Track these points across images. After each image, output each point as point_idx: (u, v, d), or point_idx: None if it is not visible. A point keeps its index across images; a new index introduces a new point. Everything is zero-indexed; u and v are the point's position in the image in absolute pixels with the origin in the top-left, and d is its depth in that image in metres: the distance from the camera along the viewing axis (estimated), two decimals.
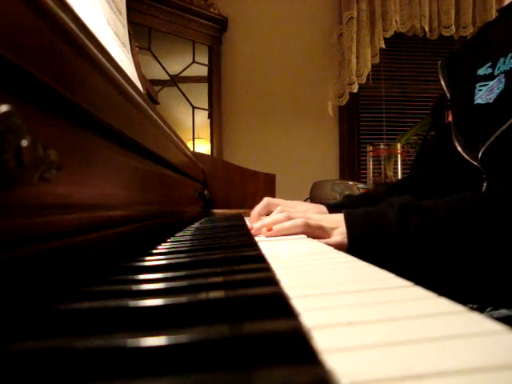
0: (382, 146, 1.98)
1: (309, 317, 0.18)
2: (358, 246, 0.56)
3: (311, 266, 0.32)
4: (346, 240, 0.56)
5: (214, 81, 2.38)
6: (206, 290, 0.23)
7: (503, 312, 0.62)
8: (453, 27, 2.49)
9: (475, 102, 0.73)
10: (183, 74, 2.30)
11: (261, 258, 0.35)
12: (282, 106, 2.51)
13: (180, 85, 2.28)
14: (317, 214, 0.75)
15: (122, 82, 0.42)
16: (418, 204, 0.56)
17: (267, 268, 0.30)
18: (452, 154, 0.76)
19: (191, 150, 1.61)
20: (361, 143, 2.59)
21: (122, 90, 0.42)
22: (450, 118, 0.79)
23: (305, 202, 0.89)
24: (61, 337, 0.18)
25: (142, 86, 0.83)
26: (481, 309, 0.67)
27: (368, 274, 0.27)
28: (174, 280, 0.26)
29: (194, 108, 2.31)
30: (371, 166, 1.97)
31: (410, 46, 2.64)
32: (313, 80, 2.53)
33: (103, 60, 0.36)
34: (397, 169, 1.96)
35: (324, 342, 0.15)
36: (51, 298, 0.23)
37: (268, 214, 0.70)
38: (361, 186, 1.84)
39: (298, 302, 0.20)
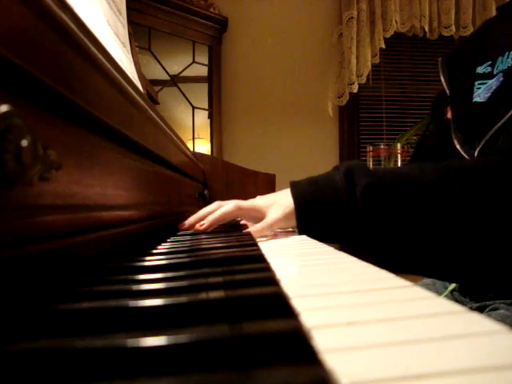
0: (382, 146, 1.99)
1: (309, 317, 0.18)
2: (306, 210, 0.53)
3: (311, 266, 0.32)
4: (287, 211, 0.54)
5: (214, 81, 2.38)
6: (206, 289, 0.23)
7: (503, 312, 0.62)
8: (453, 27, 2.49)
9: (473, 100, 0.73)
10: (183, 74, 2.30)
11: (261, 258, 0.35)
12: (282, 106, 2.51)
13: (180, 85, 2.28)
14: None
15: (122, 82, 0.42)
16: (366, 166, 0.54)
17: (267, 268, 0.30)
18: (450, 151, 0.76)
19: (191, 149, 1.61)
20: (361, 143, 2.59)
21: (122, 90, 0.42)
22: (449, 115, 0.79)
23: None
24: (61, 337, 0.18)
25: (142, 86, 0.83)
26: (480, 309, 0.67)
27: (368, 274, 0.27)
28: (173, 280, 0.26)
29: (193, 108, 2.31)
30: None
31: (410, 46, 2.64)
32: (313, 80, 2.53)
33: (103, 60, 0.36)
34: None
35: (324, 341, 0.15)
36: (51, 298, 0.23)
37: None
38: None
39: (297, 302, 0.20)
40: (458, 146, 0.74)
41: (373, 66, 2.49)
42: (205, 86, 2.41)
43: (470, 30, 2.48)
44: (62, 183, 0.27)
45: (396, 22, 2.46)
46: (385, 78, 2.65)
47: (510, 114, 0.60)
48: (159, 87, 2.18)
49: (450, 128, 0.77)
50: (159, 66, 2.20)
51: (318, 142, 2.54)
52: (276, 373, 0.13)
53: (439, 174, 0.51)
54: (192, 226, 0.62)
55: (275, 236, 0.57)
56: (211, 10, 2.34)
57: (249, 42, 2.51)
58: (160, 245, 0.49)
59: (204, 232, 0.60)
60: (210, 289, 0.24)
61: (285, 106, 2.52)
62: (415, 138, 2.18)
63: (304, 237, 0.55)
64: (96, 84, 0.34)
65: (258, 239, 0.53)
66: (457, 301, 0.73)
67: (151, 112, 0.56)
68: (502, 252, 0.48)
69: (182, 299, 0.20)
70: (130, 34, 0.83)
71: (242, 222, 0.79)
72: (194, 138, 2.32)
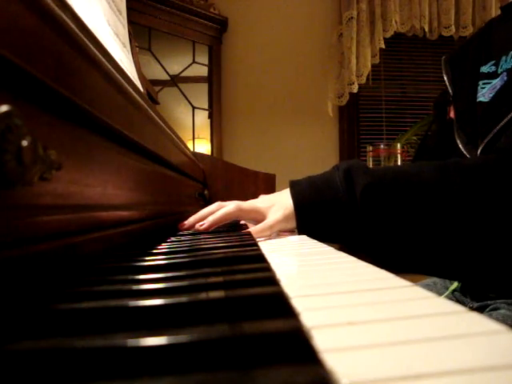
0: (381, 146, 1.99)
1: (309, 317, 0.18)
2: (306, 211, 0.53)
3: (311, 266, 0.32)
4: (287, 212, 0.54)
5: (214, 81, 2.38)
6: (206, 289, 0.23)
7: (503, 312, 0.62)
8: (452, 27, 2.49)
9: (477, 100, 0.73)
10: (183, 74, 2.30)
11: (261, 258, 0.35)
12: (282, 106, 2.51)
13: (180, 85, 2.28)
14: None
15: (122, 82, 0.42)
16: (365, 166, 0.54)
17: (267, 268, 0.30)
18: (453, 151, 0.75)
19: (191, 149, 1.61)
20: (361, 143, 2.59)
21: (122, 89, 0.42)
22: (452, 115, 0.79)
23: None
24: (61, 337, 0.18)
25: (142, 86, 0.83)
26: (480, 309, 0.67)
27: (368, 274, 0.27)
28: (173, 280, 0.26)
29: (194, 108, 2.31)
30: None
31: (410, 46, 2.64)
32: (313, 80, 2.53)
33: (103, 60, 0.36)
34: None
35: (324, 341, 0.15)
36: (51, 298, 0.23)
37: None
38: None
39: (298, 302, 0.20)
40: (460, 146, 0.73)
41: (373, 66, 2.49)
42: (205, 86, 2.41)
43: (470, 30, 2.48)
44: (62, 183, 0.27)
45: (396, 22, 2.46)
46: (385, 78, 2.65)
47: None
48: (159, 87, 2.18)
49: (452, 127, 0.77)
50: (159, 66, 2.20)
51: (318, 142, 2.54)
52: (276, 373, 0.13)
53: (439, 172, 0.51)
54: (192, 226, 0.62)
55: (275, 236, 0.57)
56: (211, 10, 2.34)
57: (249, 41, 2.51)
58: (160, 245, 0.49)
59: (204, 232, 0.60)
60: (210, 289, 0.24)
61: (285, 106, 2.52)
62: (415, 138, 2.18)
63: (304, 237, 0.55)
64: (96, 84, 0.34)
65: (258, 239, 0.53)
66: (458, 301, 0.73)
67: (151, 112, 0.56)
68: (502, 249, 0.48)
69: (182, 299, 0.20)
70: (130, 33, 0.83)
71: (242, 222, 0.79)
72: (194, 138, 2.32)
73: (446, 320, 0.17)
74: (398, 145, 2.00)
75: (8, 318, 0.19)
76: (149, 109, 0.54)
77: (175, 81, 2.27)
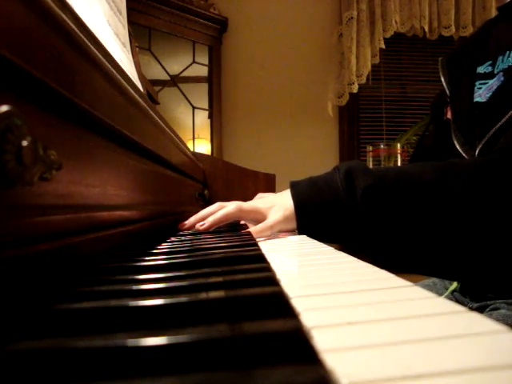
0: (381, 146, 1.99)
1: (309, 317, 0.18)
2: (306, 212, 0.53)
3: (311, 266, 0.32)
4: (287, 213, 0.54)
5: (214, 81, 2.38)
6: (206, 289, 0.23)
7: (503, 312, 0.62)
8: (452, 27, 2.49)
9: (474, 100, 0.73)
10: (183, 74, 2.30)
11: (261, 258, 0.35)
12: (281, 106, 2.51)
13: (180, 85, 2.28)
14: None
15: (122, 82, 0.42)
16: (366, 167, 0.54)
17: (267, 268, 0.30)
18: (450, 151, 0.75)
19: (191, 149, 1.61)
20: (361, 143, 2.59)
21: (122, 90, 0.42)
22: (450, 115, 0.79)
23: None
24: (61, 337, 0.18)
25: (142, 86, 0.83)
26: (480, 309, 0.67)
27: (368, 274, 0.27)
28: (173, 280, 0.26)
29: (194, 108, 2.31)
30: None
31: (410, 46, 2.64)
32: (313, 80, 2.53)
33: (103, 60, 0.36)
34: None
35: (324, 341, 0.15)
36: (51, 298, 0.23)
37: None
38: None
39: (298, 302, 0.20)
40: (458, 146, 0.74)
41: (373, 66, 2.49)
42: (205, 86, 2.41)
43: (470, 30, 2.48)
44: (62, 183, 0.27)
45: (396, 22, 2.46)
46: (385, 78, 2.65)
47: (510, 113, 0.60)
48: (159, 87, 2.18)
49: (449, 128, 0.77)
50: (159, 66, 2.20)
51: (318, 142, 2.54)
52: (276, 373, 0.13)
53: (439, 173, 0.51)
54: (192, 226, 0.62)
55: (275, 236, 0.57)
56: (211, 10, 2.34)
57: (249, 41, 2.51)
58: (160, 245, 0.49)
59: (204, 232, 0.60)
60: (210, 289, 0.24)
61: (285, 106, 2.52)
62: (415, 138, 2.18)
63: (304, 237, 0.55)
64: (96, 84, 0.34)
65: (258, 239, 0.53)
66: (457, 301, 0.73)
67: (151, 112, 0.56)
68: (503, 250, 0.48)
69: (182, 299, 0.20)
70: (130, 34, 0.83)
71: (242, 222, 0.79)
72: (194, 138, 2.32)
73: (446, 320, 0.17)
74: (398, 145, 1.99)
75: (8, 318, 0.19)
76: (149, 109, 0.54)
77: (175, 81, 2.27)
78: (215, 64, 2.38)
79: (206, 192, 1.22)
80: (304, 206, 0.54)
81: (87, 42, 0.32)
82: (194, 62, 2.32)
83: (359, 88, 2.48)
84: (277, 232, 0.57)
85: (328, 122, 2.55)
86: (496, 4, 0.76)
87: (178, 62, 2.31)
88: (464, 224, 0.49)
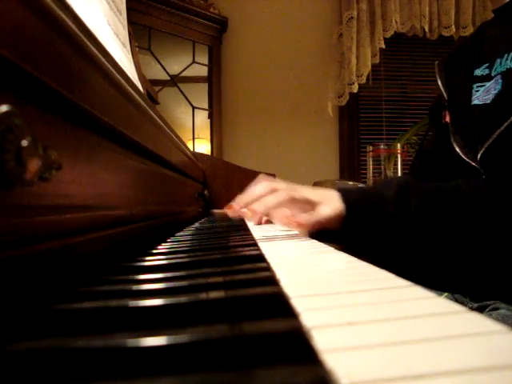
0: (381, 146, 1.99)
1: (309, 317, 0.18)
2: (356, 218, 0.54)
3: (311, 266, 0.32)
4: (336, 213, 0.54)
5: (213, 81, 2.38)
6: (206, 289, 0.23)
7: (503, 312, 0.62)
8: (453, 27, 2.49)
9: (472, 103, 0.73)
10: (183, 74, 2.30)
11: (261, 258, 0.35)
12: (281, 106, 2.51)
13: (180, 85, 2.28)
14: None
15: (122, 82, 0.42)
16: (419, 184, 0.55)
17: (267, 268, 0.30)
18: (450, 155, 0.76)
19: (191, 149, 1.61)
20: (361, 143, 2.59)
21: (122, 90, 0.42)
22: (448, 119, 0.79)
23: (311, 187, 0.84)
24: (61, 337, 0.18)
25: (142, 86, 0.83)
26: (480, 309, 0.67)
27: (368, 274, 0.27)
28: (173, 280, 0.26)
29: (194, 108, 2.31)
30: (371, 166, 1.97)
31: (410, 46, 2.64)
32: (313, 80, 2.53)
33: (103, 60, 0.36)
34: (397, 169, 1.96)
35: (324, 341, 0.15)
36: (51, 298, 0.23)
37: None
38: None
39: (297, 302, 0.20)
40: (457, 149, 0.74)
41: (373, 66, 2.49)
42: (205, 86, 2.41)
43: (470, 30, 2.48)
44: (62, 183, 0.27)
45: (396, 22, 2.47)
46: (385, 78, 2.65)
47: None
48: (159, 87, 2.18)
49: (448, 132, 0.77)
50: (159, 66, 2.20)
51: (318, 142, 2.54)
52: (276, 373, 0.13)
53: (495, 194, 0.52)
54: (241, 210, 0.57)
55: (275, 237, 0.57)
56: (211, 10, 2.34)
57: (249, 41, 2.51)
58: (160, 245, 0.49)
59: (204, 232, 0.60)
60: (210, 289, 0.24)
61: (285, 106, 2.52)
62: (415, 138, 2.18)
63: (304, 237, 0.55)
64: (96, 84, 0.34)
65: (257, 240, 0.53)
66: (457, 301, 0.73)
67: (151, 112, 0.56)
68: None
69: (182, 299, 0.20)
70: (129, 34, 0.83)
71: (242, 222, 0.79)
72: (194, 138, 2.32)
73: (446, 320, 0.17)
74: (398, 145, 1.99)
75: (8, 318, 0.19)
76: (149, 109, 0.54)
77: (175, 81, 2.27)
78: (215, 64, 2.38)
79: (205, 192, 1.23)
80: (355, 210, 0.54)
81: (87, 41, 0.32)
82: (193, 61, 2.32)
83: (359, 88, 2.48)
84: (316, 228, 0.56)
85: (328, 122, 2.55)
86: (492, 6, 0.76)
87: (178, 62, 2.31)
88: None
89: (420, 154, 0.93)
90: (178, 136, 0.83)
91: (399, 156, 1.96)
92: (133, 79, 0.53)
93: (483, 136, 0.67)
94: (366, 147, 2.07)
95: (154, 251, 0.43)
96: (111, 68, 0.38)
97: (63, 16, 0.28)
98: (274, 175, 1.54)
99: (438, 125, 0.84)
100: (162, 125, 0.64)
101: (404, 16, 2.49)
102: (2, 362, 0.15)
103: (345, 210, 0.55)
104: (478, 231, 0.52)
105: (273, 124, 2.51)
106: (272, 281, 0.25)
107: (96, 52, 0.34)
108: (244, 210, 0.56)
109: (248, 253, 0.39)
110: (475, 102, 0.72)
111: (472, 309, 0.69)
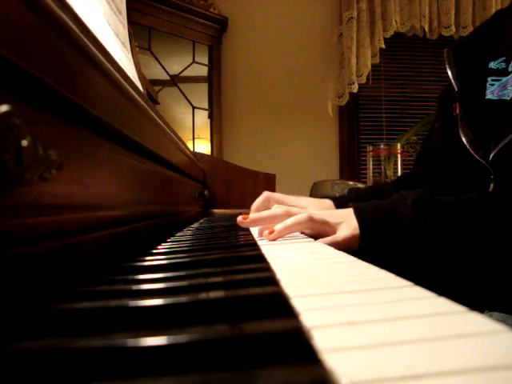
0: (381, 146, 1.99)
1: (309, 317, 0.18)
2: (371, 238, 0.54)
3: (311, 266, 0.32)
4: (355, 233, 0.54)
5: (213, 81, 2.38)
6: (206, 289, 0.23)
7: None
8: (453, 27, 2.49)
9: (486, 97, 0.70)
10: (183, 74, 2.30)
11: (261, 258, 0.35)
12: (281, 105, 2.51)
13: (180, 85, 2.28)
14: (318, 209, 0.73)
15: (122, 82, 0.42)
16: (434, 199, 0.54)
17: (267, 268, 0.30)
18: (458, 149, 0.73)
19: (191, 149, 1.61)
20: (361, 143, 2.59)
21: (122, 90, 0.42)
22: (458, 111, 0.76)
23: (306, 197, 0.84)
24: (61, 337, 0.18)
25: (142, 86, 0.83)
26: (480, 310, 0.67)
27: (368, 274, 0.27)
28: (173, 280, 0.26)
29: (194, 108, 2.31)
30: (371, 166, 1.97)
31: (410, 46, 2.64)
32: (313, 80, 2.53)
33: (103, 60, 0.36)
34: (397, 169, 1.96)
35: (324, 341, 0.15)
36: (52, 298, 0.23)
37: (267, 209, 0.66)
38: (361, 185, 1.84)
39: (298, 302, 0.20)
40: (466, 143, 0.71)
41: (373, 66, 2.49)
42: (205, 86, 2.41)
43: (470, 29, 2.48)
44: (62, 183, 0.27)
45: (396, 22, 2.46)
46: (385, 78, 2.65)
47: None
48: (159, 87, 2.18)
49: (457, 124, 0.74)
50: (159, 66, 2.20)
51: (318, 141, 2.54)
52: (276, 373, 0.13)
53: (507, 209, 0.52)
54: (253, 224, 0.57)
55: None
56: (211, 10, 2.34)
57: (249, 41, 2.51)
58: (160, 245, 0.49)
59: (204, 232, 0.60)
60: (210, 289, 0.24)
61: (285, 106, 2.51)
62: (415, 137, 2.17)
63: (304, 237, 0.55)
64: (96, 84, 0.34)
65: (258, 240, 0.53)
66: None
67: (151, 112, 0.56)
68: None
69: (182, 299, 0.20)
70: (130, 34, 0.83)
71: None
72: (194, 138, 2.32)
73: (446, 320, 0.17)
74: (398, 145, 1.99)
75: (9, 318, 0.19)
76: (149, 109, 0.54)
77: (175, 81, 2.27)
78: (215, 64, 2.38)
79: (206, 192, 1.23)
80: (369, 233, 0.54)
81: (87, 41, 0.32)
82: (193, 61, 2.31)
83: (359, 88, 2.48)
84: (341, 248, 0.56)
85: (328, 122, 2.55)
86: (499, 3, 0.74)
87: (178, 62, 2.31)
88: None
89: (427, 146, 0.90)
90: (178, 136, 0.83)
91: (399, 156, 1.96)
92: (133, 79, 0.53)
93: (498, 135, 0.65)
94: (366, 147, 2.07)
95: (154, 251, 0.43)
96: (111, 68, 0.38)
97: (63, 16, 0.28)
98: (273, 175, 1.55)
99: (447, 117, 0.80)
100: (162, 125, 0.64)
101: (404, 16, 2.49)
102: (3, 361, 0.15)
103: (360, 231, 0.54)
104: (495, 244, 0.52)
105: (273, 124, 2.50)
106: (272, 281, 0.25)
107: (96, 52, 0.34)
108: (261, 227, 0.56)
109: (248, 253, 0.39)
110: (489, 96, 0.69)
111: (472, 309, 0.68)
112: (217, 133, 2.38)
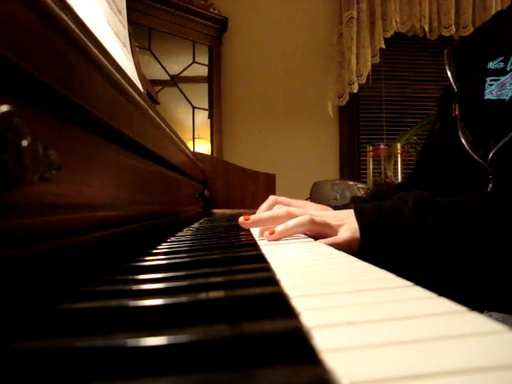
0: (382, 146, 1.98)
1: (309, 317, 0.18)
2: (371, 240, 0.54)
3: (311, 266, 0.32)
4: (355, 236, 0.54)
5: (214, 81, 2.38)
6: (206, 289, 0.23)
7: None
8: (453, 27, 2.49)
9: (485, 97, 0.70)
10: (183, 74, 2.30)
11: (261, 258, 0.35)
12: (282, 106, 2.51)
13: (180, 85, 2.28)
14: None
15: (122, 82, 0.42)
16: (434, 201, 0.54)
17: (267, 268, 0.30)
18: (457, 150, 0.73)
19: (191, 149, 1.61)
20: (361, 143, 2.59)
21: (122, 90, 0.42)
22: (457, 112, 0.76)
23: (312, 203, 0.85)
24: (61, 337, 0.18)
25: (142, 86, 0.83)
26: (480, 310, 0.67)
27: (368, 274, 0.27)
28: (173, 280, 0.26)
29: (194, 108, 2.31)
30: (371, 166, 1.97)
31: (410, 46, 2.64)
32: (313, 80, 2.53)
33: (103, 60, 0.36)
34: (397, 169, 1.96)
35: (324, 341, 0.15)
36: (52, 298, 0.23)
37: None
38: (361, 185, 1.84)
39: (298, 302, 0.20)
40: (465, 144, 0.71)
41: (373, 66, 2.49)
42: (205, 86, 2.41)
43: (470, 29, 2.48)
44: (62, 183, 0.27)
45: (396, 22, 2.46)
46: (385, 78, 2.65)
47: None
48: (159, 87, 2.18)
49: (456, 125, 0.74)
50: (159, 66, 2.20)
51: (318, 141, 2.54)
52: (276, 373, 0.13)
53: (507, 212, 0.52)
54: (254, 225, 0.57)
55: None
56: (211, 10, 2.34)
57: (249, 41, 2.51)
58: (160, 245, 0.49)
59: (204, 232, 0.60)
60: (210, 289, 0.24)
61: (285, 106, 2.51)
62: (415, 138, 2.17)
63: (304, 237, 0.55)
64: (96, 84, 0.34)
65: (258, 240, 0.53)
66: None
67: (151, 112, 0.56)
68: None
69: (182, 299, 0.20)
70: (130, 34, 0.83)
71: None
72: (194, 138, 2.32)
73: (446, 320, 0.17)
74: (398, 145, 1.99)
75: (9, 318, 0.19)
76: (149, 109, 0.54)
77: (175, 81, 2.27)
78: (215, 64, 2.38)
79: (206, 192, 1.23)
80: (369, 234, 0.54)
81: (87, 41, 0.32)
82: (193, 61, 2.32)
83: (359, 88, 2.48)
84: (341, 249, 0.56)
85: (328, 122, 2.55)
86: (499, 4, 0.74)
87: (178, 62, 2.31)
88: None
89: (427, 147, 0.90)
90: (178, 136, 0.83)
91: (399, 156, 1.96)
92: (133, 79, 0.53)
93: (497, 134, 0.64)
94: (366, 147, 2.06)
95: (154, 251, 0.43)
96: (111, 68, 0.38)
97: (63, 16, 0.28)
98: (273, 175, 1.55)
99: (446, 118, 0.80)
100: (162, 125, 0.64)
101: (404, 16, 2.49)
102: (3, 361, 0.15)
103: (360, 233, 0.54)
104: (495, 245, 0.52)
105: (273, 124, 2.51)
106: (272, 281, 0.25)
107: (96, 52, 0.34)
108: (262, 228, 0.56)
109: (248, 253, 0.39)
110: (488, 96, 0.69)
111: (472, 309, 0.68)
112: (217, 133, 2.38)
